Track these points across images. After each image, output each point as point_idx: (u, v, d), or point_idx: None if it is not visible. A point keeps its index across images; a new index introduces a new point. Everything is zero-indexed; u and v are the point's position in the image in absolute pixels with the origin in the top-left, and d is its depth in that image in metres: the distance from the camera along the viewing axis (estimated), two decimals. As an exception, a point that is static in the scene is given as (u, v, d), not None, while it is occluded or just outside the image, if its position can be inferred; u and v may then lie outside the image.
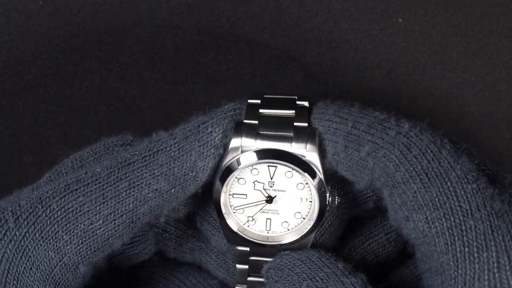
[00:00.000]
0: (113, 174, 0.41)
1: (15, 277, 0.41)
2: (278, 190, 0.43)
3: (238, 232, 0.43)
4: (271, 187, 0.42)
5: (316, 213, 0.42)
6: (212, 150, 0.42)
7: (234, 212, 0.43)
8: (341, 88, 0.57)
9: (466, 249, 0.37)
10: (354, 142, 0.41)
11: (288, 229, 0.43)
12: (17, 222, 0.40)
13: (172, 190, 0.41)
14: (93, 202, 0.41)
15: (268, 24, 0.57)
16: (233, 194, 0.43)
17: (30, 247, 0.40)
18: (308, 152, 0.41)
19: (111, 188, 0.41)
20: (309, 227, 0.43)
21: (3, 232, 0.40)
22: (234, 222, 0.43)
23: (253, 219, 0.43)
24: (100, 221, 0.41)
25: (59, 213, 0.41)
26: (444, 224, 0.38)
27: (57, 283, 0.41)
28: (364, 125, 0.41)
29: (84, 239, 0.41)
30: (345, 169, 0.42)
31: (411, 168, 0.40)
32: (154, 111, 0.57)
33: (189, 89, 0.57)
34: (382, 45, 0.57)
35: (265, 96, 0.43)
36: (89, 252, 0.41)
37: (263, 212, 0.43)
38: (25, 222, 0.40)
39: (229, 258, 0.47)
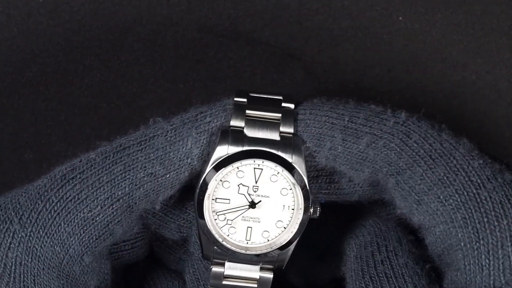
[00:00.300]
0: (108, 159, 0.41)
1: (32, 280, 0.40)
2: (262, 196, 0.42)
3: (219, 240, 0.42)
4: (255, 191, 0.42)
5: (297, 221, 0.42)
6: (208, 138, 0.42)
7: (215, 219, 0.42)
8: (341, 86, 0.57)
9: (485, 219, 0.38)
10: (352, 135, 0.41)
11: (268, 240, 0.43)
12: (21, 222, 0.40)
13: (167, 175, 0.41)
14: (90, 188, 0.41)
15: (268, 22, 0.57)
16: (216, 198, 0.42)
17: (37, 246, 0.40)
18: (294, 160, 0.41)
19: (106, 172, 0.41)
20: (288, 238, 0.42)
21: (11, 235, 0.40)
22: (215, 230, 0.42)
23: (233, 227, 0.42)
24: (99, 207, 0.41)
25: (58, 205, 0.41)
26: (459, 199, 0.38)
27: (68, 276, 0.41)
28: (361, 118, 0.41)
29: (85, 228, 0.41)
30: (344, 162, 0.42)
31: (414, 153, 0.40)
32: (154, 108, 0.57)
33: (190, 87, 0.57)
34: (383, 43, 0.57)
35: (251, 94, 0.43)
36: (91, 241, 0.41)
37: (244, 220, 0.42)
38: (28, 221, 0.40)
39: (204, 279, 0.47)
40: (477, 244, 0.38)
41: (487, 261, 0.37)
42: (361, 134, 0.41)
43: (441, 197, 0.39)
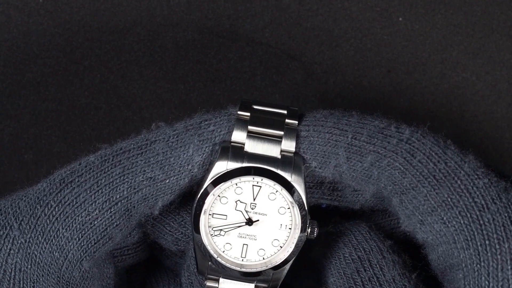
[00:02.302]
0: (107, 162, 0.41)
1: (32, 286, 0.40)
2: (259, 213, 0.42)
3: (214, 256, 0.42)
4: (252, 209, 0.42)
5: (294, 241, 0.42)
6: (211, 147, 0.41)
7: (211, 234, 0.42)
8: (341, 87, 0.57)
9: (487, 242, 0.38)
10: (356, 153, 0.41)
11: (264, 258, 0.42)
12: (20, 227, 0.40)
13: (167, 181, 0.41)
14: (88, 192, 0.40)
15: (268, 23, 0.57)
16: (213, 214, 0.42)
17: (36, 252, 0.40)
18: (293, 179, 0.41)
19: (104, 175, 0.41)
20: (283, 257, 0.42)
21: (11, 241, 0.40)
22: (211, 246, 0.42)
23: (229, 243, 0.42)
24: (97, 211, 0.40)
25: (56, 209, 0.40)
26: (462, 221, 0.38)
27: (68, 283, 0.41)
28: (365, 135, 0.41)
29: (83, 232, 0.41)
30: (350, 179, 0.42)
31: (418, 173, 0.40)
32: (154, 109, 0.57)
33: (190, 88, 0.57)
34: (383, 44, 0.57)
35: (255, 107, 0.42)
36: (90, 246, 0.41)
37: (241, 237, 0.42)
38: (28, 227, 0.40)
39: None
40: (478, 265, 0.38)
41: (486, 282, 0.37)
42: (365, 152, 0.41)
43: (445, 218, 0.39)
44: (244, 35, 0.57)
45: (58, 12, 0.57)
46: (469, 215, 0.38)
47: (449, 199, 0.39)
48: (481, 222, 0.38)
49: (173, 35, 0.57)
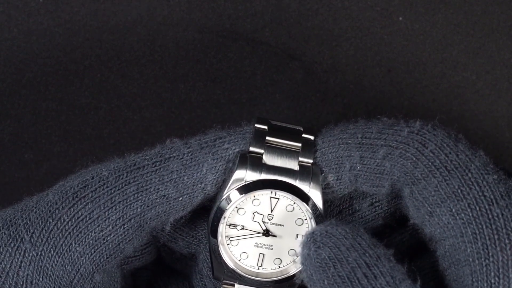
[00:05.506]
0: (121, 178, 0.41)
1: None
2: (276, 224, 0.42)
3: (230, 265, 0.42)
4: (269, 220, 0.42)
5: None
6: (224, 165, 0.41)
7: (228, 244, 0.42)
8: (342, 86, 0.57)
9: (496, 236, 0.37)
10: (368, 150, 0.41)
11: (280, 267, 0.43)
12: (32, 240, 0.40)
13: (180, 199, 0.41)
14: (102, 208, 0.40)
15: (268, 22, 0.57)
16: (230, 224, 0.42)
17: (48, 265, 0.40)
18: (311, 190, 0.41)
19: (119, 192, 0.41)
20: (300, 267, 0.41)
21: (22, 253, 0.40)
22: (227, 255, 0.43)
23: (245, 252, 0.42)
24: (110, 227, 0.41)
25: (69, 224, 0.40)
26: (470, 214, 0.38)
27: None
28: (374, 132, 0.41)
29: (96, 247, 0.41)
30: (365, 180, 0.41)
31: (430, 163, 0.40)
32: (154, 109, 0.57)
33: (190, 87, 0.57)
34: (383, 43, 0.57)
35: (272, 122, 0.43)
36: (102, 260, 0.41)
37: (257, 246, 0.42)
38: (39, 240, 0.40)
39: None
40: (487, 260, 0.37)
41: (496, 279, 0.37)
42: (376, 148, 0.41)
43: (453, 210, 0.38)
44: (244, 35, 0.57)
45: (58, 11, 0.57)
46: (478, 208, 0.38)
47: (459, 191, 0.38)
48: (490, 216, 0.38)
49: (173, 35, 0.57)
